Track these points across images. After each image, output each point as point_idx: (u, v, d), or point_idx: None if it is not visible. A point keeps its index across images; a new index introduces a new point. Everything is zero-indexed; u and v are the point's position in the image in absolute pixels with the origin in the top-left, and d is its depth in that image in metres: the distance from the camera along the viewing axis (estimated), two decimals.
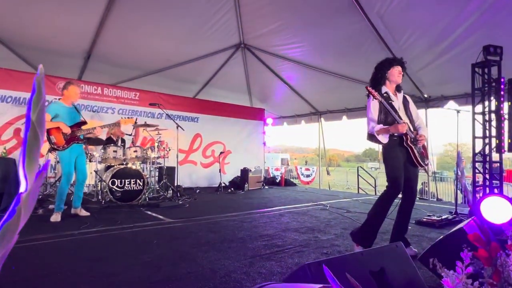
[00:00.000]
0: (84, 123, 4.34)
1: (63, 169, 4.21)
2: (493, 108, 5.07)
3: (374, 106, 2.86)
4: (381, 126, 2.83)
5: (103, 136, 6.21)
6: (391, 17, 5.32)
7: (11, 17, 5.58)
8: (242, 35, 7.19)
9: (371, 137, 2.92)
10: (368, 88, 2.73)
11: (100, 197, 5.39)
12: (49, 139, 4.08)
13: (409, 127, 2.87)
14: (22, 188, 0.26)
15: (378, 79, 2.97)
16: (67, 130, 4.12)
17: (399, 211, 2.95)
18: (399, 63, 2.93)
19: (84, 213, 4.38)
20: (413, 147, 2.84)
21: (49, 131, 4.17)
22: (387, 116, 2.83)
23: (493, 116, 5.08)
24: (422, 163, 2.88)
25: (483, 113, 5.16)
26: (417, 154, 2.85)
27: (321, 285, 0.83)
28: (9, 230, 0.23)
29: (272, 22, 6.36)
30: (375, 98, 2.72)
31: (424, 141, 2.93)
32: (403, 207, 2.93)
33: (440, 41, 5.42)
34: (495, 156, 5.14)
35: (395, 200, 2.87)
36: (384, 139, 2.84)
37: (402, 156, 2.85)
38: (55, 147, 4.13)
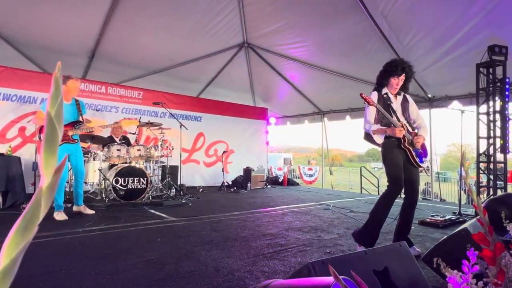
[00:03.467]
0: (80, 122, 4.26)
1: None
2: (497, 108, 5.05)
3: (371, 109, 2.92)
4: (378, 126, 2.89)
5: (106, 134, 6.25)
6: (396, 17, 5.30)
7: (16, 16, 5.62)
8: (245, 35, 7.20)
9: (368, 136, 3.00)
10: (363, 96, 2.78)
11: (104, 196, 5.42)
12: (40, 138, 4.09)
13: (407, 129, 2.90)
14: (41, 182, 0.27)
15: (381, 82, 3.03)
16: None
17: (401, 211, 2.95)
18: (401, 72, 2.90)
19: (88, 211, 4.40)
20: (411, 149, 2.86)
21: (41, 130, 4.17)
22: (384, 118, 2.87)
23: (497, 116, 5.06)
24: (420, 164, 2.91)
25: (487, 113, 5.14)
26: (415, 156, 2.87)
27: (330, 278, 0.83)
28: (30, 222, 0.24)
29: (275, 21, 6.36)
30: (370, 105, 2.77)
31: (421, 143, 2.95)
32: (406, 207, 2.93)
33: (445, 41, 5.39)
34: (500, 157, 5.12)
35: (398, 201, 2.88)
36: (379, 139, 2.90)
37: (402, 157, 2.88)
38: None
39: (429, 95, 7.00)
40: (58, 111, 0.26)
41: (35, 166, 5.88)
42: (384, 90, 2.98)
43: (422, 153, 2.98)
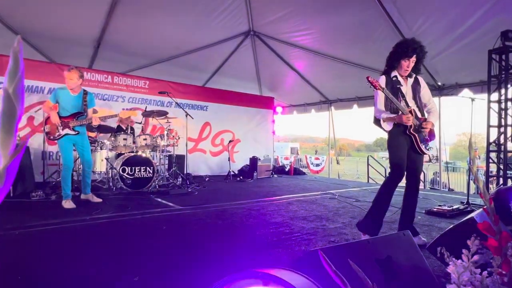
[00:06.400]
0: (80, 113, 4.24)
1: (62, 157, 4.31)
2: (509, 96, 4.92)
3: (380, 94, 2.84)
4: (387, 114, 2.84)
5: (113, 124, 6.29)
6: (405, 3, 5.15)
7: (21, 5, 5.62)
8: (251, 22, 7.09)
9: (377, 121, 2.98)
10: (369, 79, 2.70)
11: (111, 184, 5.48)
12: (44, 129, 4.17)
13: (415, 114, 2.84)
14: None
15: (391, 64, 2.93)
16: (55, 121, 4.09)
17: (404, 198, 2.95)
18: (412, 53, 2.79)
19: (96, 199, 4.46)
20: (416, 135, 2.82)
21: (46, 120, 4.23)
22: (392, 103, 2.81)
23: (509, 104, 4.93)
24: (425, 150, 2.88)
25: (499, 101, 5.02)
26: (419, 142, 2.84)
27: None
28: None
29: (281, 8, 6.24)
30: (376, 89, 2.70)
31: (428, 130, 2.90)
32: (408, 194, 2.93)
33: (456, 27, 5.23)
34: (510, 146, 5.01)
35: (402, 190, 2.86)
36: (387, 126, 2.89)
37: (406, 144, 2.85)
38: (47, 136, 4.28)
39: (439, 83, 6.85)
40: (17, 87, 0.25)
41: (44, 155, 5.97)
42: (394, 73, 2.89)
43: (428, 139, 2.93)
